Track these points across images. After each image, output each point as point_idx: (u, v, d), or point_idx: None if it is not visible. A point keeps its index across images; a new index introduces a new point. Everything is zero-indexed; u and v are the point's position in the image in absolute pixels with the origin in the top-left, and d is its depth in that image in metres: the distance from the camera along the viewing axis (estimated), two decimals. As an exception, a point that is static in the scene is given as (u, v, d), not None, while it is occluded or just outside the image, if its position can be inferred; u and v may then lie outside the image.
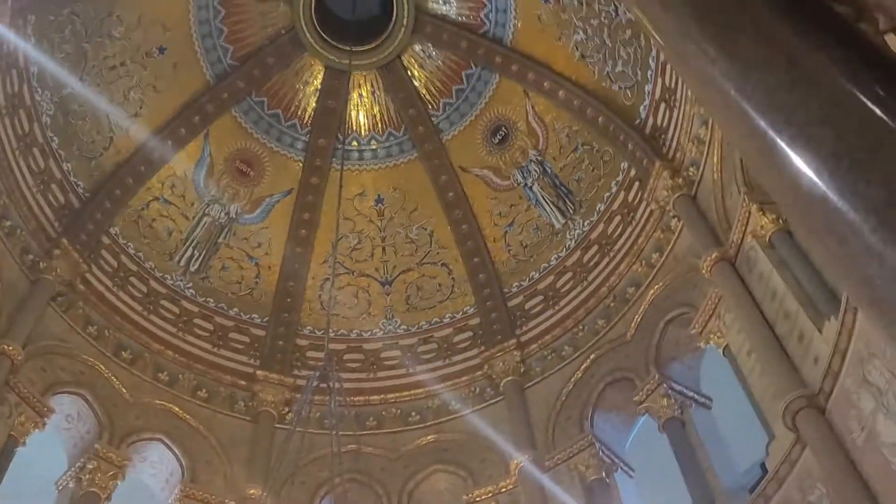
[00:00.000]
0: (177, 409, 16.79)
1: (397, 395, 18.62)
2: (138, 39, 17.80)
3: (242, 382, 18.01)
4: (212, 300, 18.99)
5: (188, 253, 18.92)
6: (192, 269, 18.90)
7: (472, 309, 19.59)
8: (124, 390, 16.26)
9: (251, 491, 15.55)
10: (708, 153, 14.82)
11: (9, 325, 14.58)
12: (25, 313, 14.96)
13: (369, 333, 19.85)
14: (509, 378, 17.79)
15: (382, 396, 18.63)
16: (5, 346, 14.11)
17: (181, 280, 18.74)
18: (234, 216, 19.72)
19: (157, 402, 16.63)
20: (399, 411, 18.41)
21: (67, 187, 17.01)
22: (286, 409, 17.68)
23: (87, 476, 14.98)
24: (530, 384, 17.67)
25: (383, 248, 20.52)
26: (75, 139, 17.20)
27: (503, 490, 16.28)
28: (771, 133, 4.21)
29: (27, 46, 15.68)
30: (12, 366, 14.12)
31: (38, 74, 16.22)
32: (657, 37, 5.25)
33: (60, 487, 15.16)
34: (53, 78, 16.42)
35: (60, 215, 16.69)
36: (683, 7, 4.82)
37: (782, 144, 4.15)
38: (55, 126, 16.75)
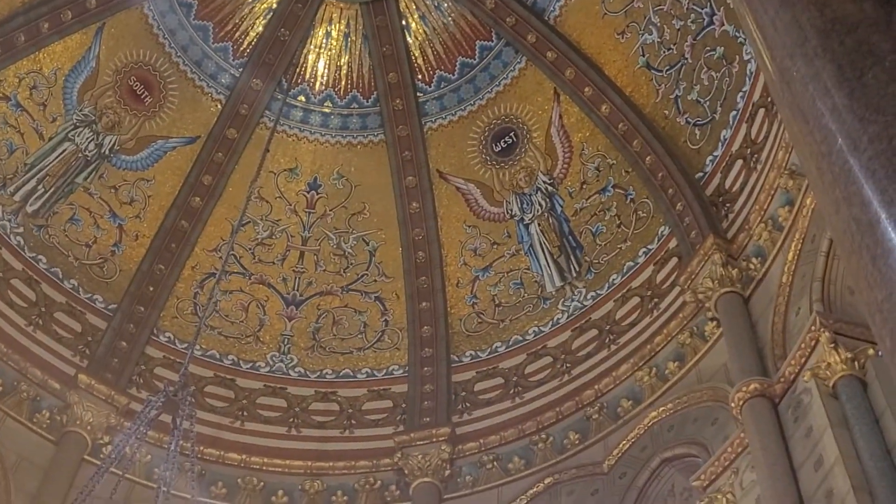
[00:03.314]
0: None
1: (265, 461, 18.51)
2: None
3: (55, 385, 17.73)
4: (43, 259, 18.70)
5: (29, 185, 18.65)
6: (29, 209, 18.63)
7: (402, 371, 19.62)
8: None
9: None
10: (783, 245, 14.95)
11: None
12: None
13: (250, 366, 19.78)
14: (426, 479, 17.75)
15: (244, 458, 18.52)
16: None
17: (8, 220, 18.45)
18: (107, 151, 19.52)
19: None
20: (262, 485, 18.27)
21: None
22: (105, 439, 17.50)
23: None
24: (453, 495, 17.67)
25: (301, 254, 20.50)
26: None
27: None
28: (875, 204, 4.28)
29: None
30: None
31: None
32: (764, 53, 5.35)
33: None
34: None
35: None
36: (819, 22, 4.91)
37: (888, 222, 4.23)
38: None
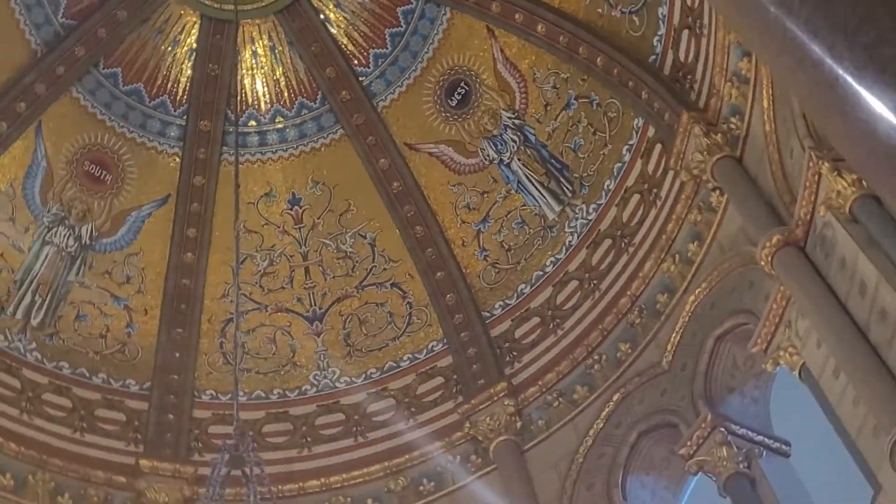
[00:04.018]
0: (30, 524, 16.68)
1: (344, 477, 18.55)
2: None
3: (121, 479, 17.79)
4: (66, 365, 18.73)
5: (26, 300, 18.64)
6: (34, 322, 18.63)
7: (441, 345, 19.59)
8: (-50, 507, 16.13)
9: None
10: (754, 96, 14.86)
11: None
12: None
13: (297, 393, 19.77)
14: (501, 438, 17.76)
15: (323, 481, 18.55)
16: None
17: (19, 340, 18.48)
18: (88, 241, 19.48)
19: (1, 517, 16.50)
20: (349, 501, 18.34)
21: None
22: (187, 512, 17.59)
23: None
24: (532, 444, 17.66)
25: (306, 270, 20.42)
26: None
27: None
28: (829, 62, 4.19)
29: None
30: None
31: None
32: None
33: None
34: None
35: None
36: None
37: (846, 77, 4.14)
38: None
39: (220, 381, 19.44)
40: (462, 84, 19.74)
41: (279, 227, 20.50)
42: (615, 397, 17.00)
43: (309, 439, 19.23)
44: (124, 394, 18.97)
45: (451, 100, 19.87)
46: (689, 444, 15.39)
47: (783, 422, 15.35)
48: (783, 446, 15.17)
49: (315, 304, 20.32)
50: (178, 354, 19.34)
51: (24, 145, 18.89)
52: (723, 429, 15.11)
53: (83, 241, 19.44)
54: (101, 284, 19.50)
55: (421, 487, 18.21)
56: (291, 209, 20.53)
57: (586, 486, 16.73)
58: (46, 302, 18.84)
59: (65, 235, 19.28)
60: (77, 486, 17.46)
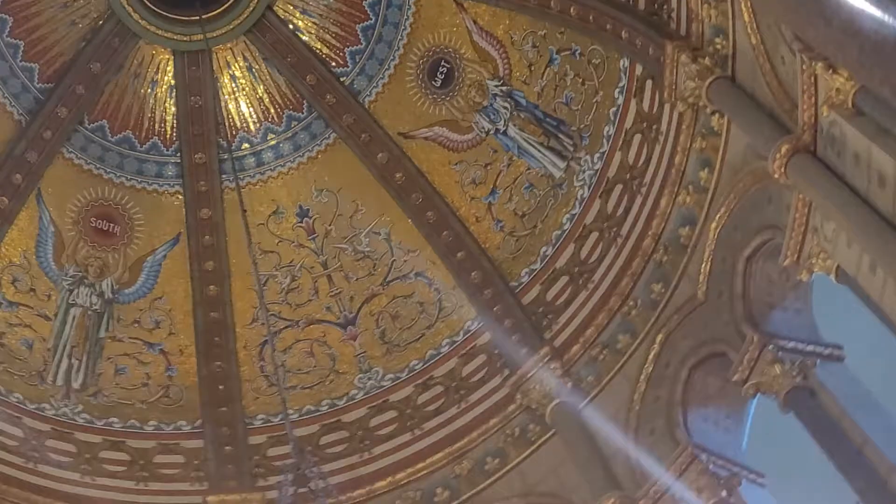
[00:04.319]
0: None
1: (409, 472, 18.60)
2: None
3: (192, 520, 17.96)
4: (116, 420, 18.89)
5: (63, 365, 18.77)
6: (76, 385, 18.75)
7: (476, 323, 19.53)
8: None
9: None
10: (734, 12, 14.70)
11: None
12: None
13: (345, 399, 19.80)
14: (555, 402, 17.72)
15: (389, 480, 18.66)
16: None
17: (65, 405, 18.60)
18: (110, 296, 19.56)
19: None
20: (419, 494, 18.38)
21: None
22: (265, 539, 17.67)
23: None
24: (586, 402, 17.61)
25: (329, 278, 20.43)
26: None
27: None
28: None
29: None
30: None
31: None
32: None
33: None
34: None
35: None
36: None
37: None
38: None
39: (268, 404, 19.47)
40: (442, 63, 19.64)
41: (294, 242, 20.49)
42: (658, 338, 16.93)
43: (367, 442, 19.26)
44: (178, 436, 19.06)
45: (435, 80, 19.79)
46: (741, 368, 15.31)
47: (831, 328, 15.25)
48: (835, 351, 15.04)
49: (345, 310, 20.30)
50: (221, 387, 19.40)
51: (29, 215, 18.98)
52: (771, 346, 15.03)
53: (106, 297, 19.51)
54: (132, 335, 19.58)
55: (486, 466, 18.22)
56: (302, 222, 20.50)
57: (648, 431, 16.70)
58: (83, 363, 18.92)
59: (87, 294, 19.35)
60: (150, 536, 17.58)
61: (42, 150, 18.88)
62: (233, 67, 20.10)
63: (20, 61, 18.76)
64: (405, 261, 20.23)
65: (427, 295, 20.08)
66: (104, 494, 17.91)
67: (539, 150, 19.09)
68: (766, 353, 15.02)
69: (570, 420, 17.60)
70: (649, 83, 17.06)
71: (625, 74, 17.63)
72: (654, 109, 17.12)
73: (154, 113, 19.97)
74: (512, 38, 18.93)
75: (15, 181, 18.61)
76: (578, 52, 18.19)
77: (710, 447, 15.96)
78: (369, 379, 19.86)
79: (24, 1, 18.58)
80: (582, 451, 17.17)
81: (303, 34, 19.84)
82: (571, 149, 18.71)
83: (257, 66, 20.11)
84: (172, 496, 18.30)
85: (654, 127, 17.18)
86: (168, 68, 19.78)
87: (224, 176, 19.84)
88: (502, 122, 19.43)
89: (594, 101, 18.22)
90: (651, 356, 16.94)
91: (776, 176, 13.96)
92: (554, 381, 17.87)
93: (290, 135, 20.45)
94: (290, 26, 19.78)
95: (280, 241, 20.43)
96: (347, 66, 20.01)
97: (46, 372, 18.63)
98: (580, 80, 18.34)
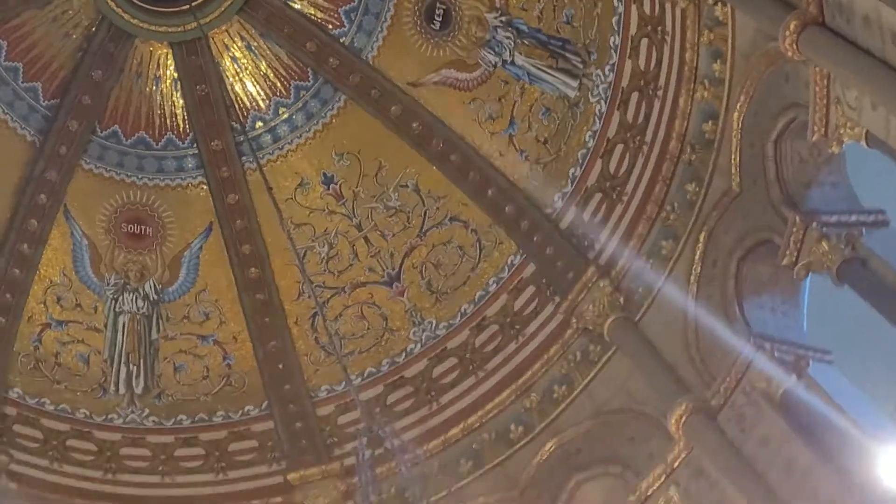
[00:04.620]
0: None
1: (479, 414, 18.60)
2: None
3: (278, 500, 18.14)
4: (184, 417, 19.08)
5: (122, 373, 18.98)
6: (138, 390, 18.94)
7: (519, 256, 19.44)
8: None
9: None
10: None
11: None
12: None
13: (404, 356, 19.86)
14: (611, 319, 17.62)
15: (462, 426, 18.68)
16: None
17: (132, 412, 18.77)
18: (155, 297, 19.71)
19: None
20: (494, 434, 18.39)
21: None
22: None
23: None
24: (641, 313, 17.47)
25: (366, 239, 20.43)
26: None
27: (676, 464, 16.22)
28: None
29: None
30: None
31: None
32: None
33: None
34: None
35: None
36: None
37: None
38: None
39: (329, 374, 19.59)
40: (438, 4, 19.48)
41: (324, 210, 20.51)
42: (702, 237, 16.79)
43: (433, 393, 19.31)
44: (247, 421, 19.23)
45: (434, 23, 19.62)
46: (788, 251, 15.17)
47: (871, 194, 15.10)
48: (880, 217, 14.87)
49: (387, 268, 20.32)
50: (280, 365, 19.53)
51: (60, 232, 19.16)
52: (815, 224, 14.87)
53: (151, 299, 19.63)
54: (184, 331, 19.74)
55: (554, 395, 18.16)
56: (329, 189, 20.49)
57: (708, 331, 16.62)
58: (141, 367, 19.09)
59: (132, 300, 19.49)
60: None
61: (61, 166, 19.03)
62: (232, 49, 20.07)
63: (21, 83, 18.89)
64: (437, 208, 20.17)
65: (465, 238, 20.03)
66: (186, 492, 18.14)
67: (549, 74, 18.92)
68: (811, 231, 14.88)
69: (628, 334, 17.51)
70: (651, -22, 16.90)
71: (622, -18, 17.47)
72: (656, 11, 16.89)
73: (163, 109, 20.03)
74: (503, -35, 18.82)
75: (40, 202, 18.75)
76: (570, -31, 18.07)
77: (772, 334, 15.86)
78: (424, 331, 19.89)
79: (14, 23, 18.64)
80: (646, 362, 17.09)
81: (294, 2, 19.74)
82: (581, 66, 18.53)
83: (256, 44, 20.06)
84: (253, 481, 18.48)
85: (659, 28, 16.95)
86: (168, 62, 19.82)
87: (244, 158, 19.92)
88: (508, 53, 19.26)
89: (595, 13, 17.97)
90: (697, 257, 16.81)
91: (789, 54, 13.79)
92: (605, 299, 17.78)
93: (300, 105, 20.41)
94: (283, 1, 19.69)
95: (311, 212, 20.44)
96: (344, 26, 19.89)
97: (107, 382, 18.81)
98: (577, -3, 18.19)
